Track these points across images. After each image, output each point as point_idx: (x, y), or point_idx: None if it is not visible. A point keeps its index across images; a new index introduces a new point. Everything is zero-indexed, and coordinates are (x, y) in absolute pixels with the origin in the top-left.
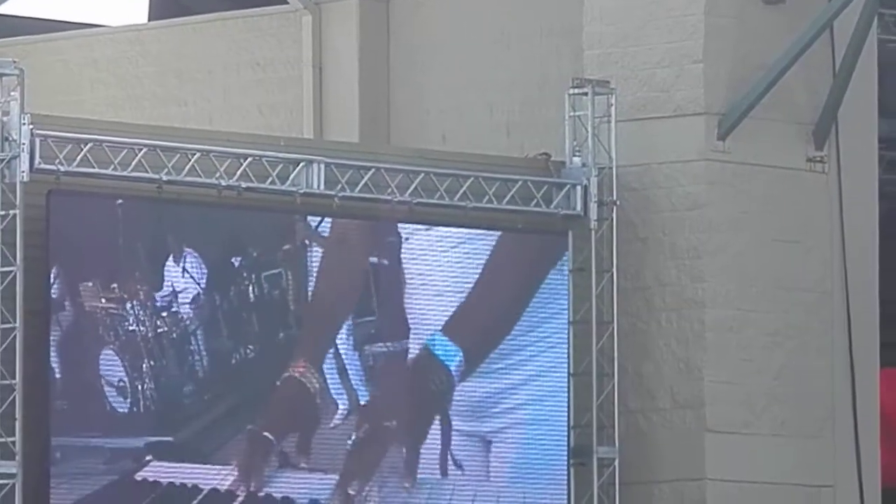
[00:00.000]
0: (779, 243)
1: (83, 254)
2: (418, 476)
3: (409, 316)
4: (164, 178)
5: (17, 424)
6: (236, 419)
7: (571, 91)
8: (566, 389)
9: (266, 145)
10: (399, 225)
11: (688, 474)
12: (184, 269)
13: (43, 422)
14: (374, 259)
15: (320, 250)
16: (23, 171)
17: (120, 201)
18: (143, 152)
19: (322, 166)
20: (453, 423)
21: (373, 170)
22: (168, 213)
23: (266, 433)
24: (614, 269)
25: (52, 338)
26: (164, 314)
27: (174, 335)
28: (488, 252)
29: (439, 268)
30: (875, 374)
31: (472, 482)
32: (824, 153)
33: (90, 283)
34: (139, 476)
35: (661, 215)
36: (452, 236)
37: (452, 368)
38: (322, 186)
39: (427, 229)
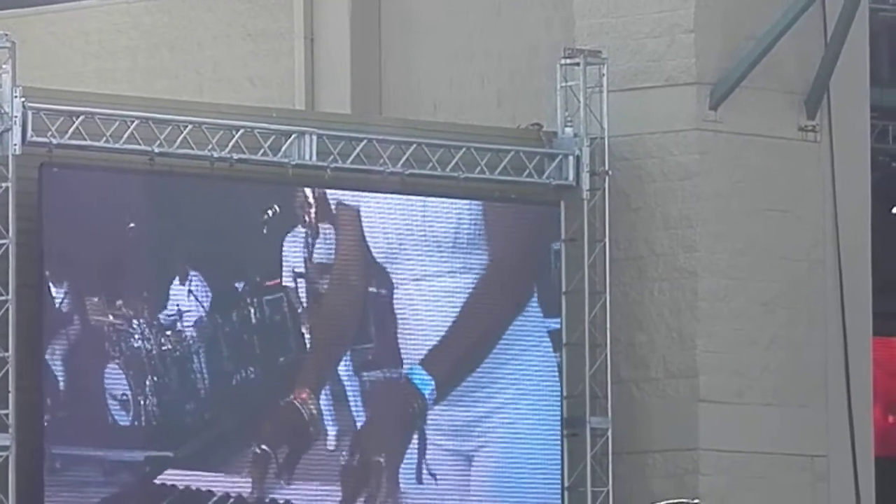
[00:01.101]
0: (771, 212)
1: (75, 226)
2: (400, 485)
3: (400, 344)
4: (156, 150)
5: (11, 397)
6: (235, 437)
7: (563, 61)
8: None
9: (258, 117)
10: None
11: (681, 444)
12: (189, 292)
13: (37, 396)
14: (372, 289)
15: (325, 277)
16: (15, 144)
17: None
18: (135, 124)
19: (314, 137)
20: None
21: (365, 141)
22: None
23: (264, 447)
24: (606, 240)
25: (57, 350)
26: (169, 332)
27: (177, 353)
28: (469, 289)
29: (425, 301)
30: (868, 342)
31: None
32: (816, 122)
33: (96, 299)
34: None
35: (653, 185)
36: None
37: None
38: (314, 158)
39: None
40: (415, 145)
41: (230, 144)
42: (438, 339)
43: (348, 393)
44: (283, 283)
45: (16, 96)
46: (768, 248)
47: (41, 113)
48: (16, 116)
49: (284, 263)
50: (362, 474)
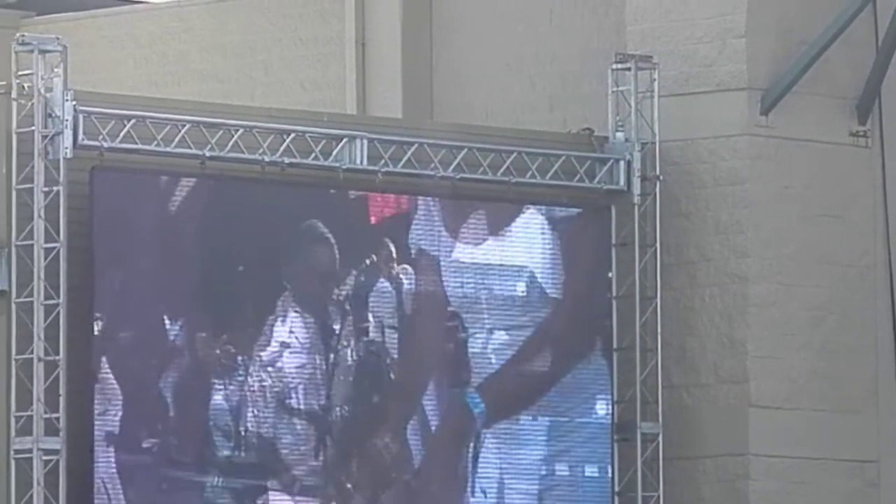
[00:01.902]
0: (822, 218)
1: (126, 230)
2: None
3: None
4: (208, 153)
5: (61, 401)
6: (325, 472)
7: (614, 66)
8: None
9: (309, 121)
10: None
11: (731, 449)
12: (290, 331)
13: (87, 399)
14: (449, 342)
15: (408, 324)
16: (66, 148)
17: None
18: (186, 128)
19: (365, 142)
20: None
21: (416, 145)
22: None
23: (349, 485)
24: (657, 244)
25: (169, 379)
26: (270, 369)
27: (277, 389)
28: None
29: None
30: None
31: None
32: (867, 128)
33: (204, 334)
34: None
35: (704, 190)
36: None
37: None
38: (365, 162)
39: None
40: (466, 150)
41: (281, 148)
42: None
43: (429, 433)
44: (371, 333)
45: (67, 100)
46: (819, 254)
47: (92, 117)
48: (67, 120)
49: (372, 315)
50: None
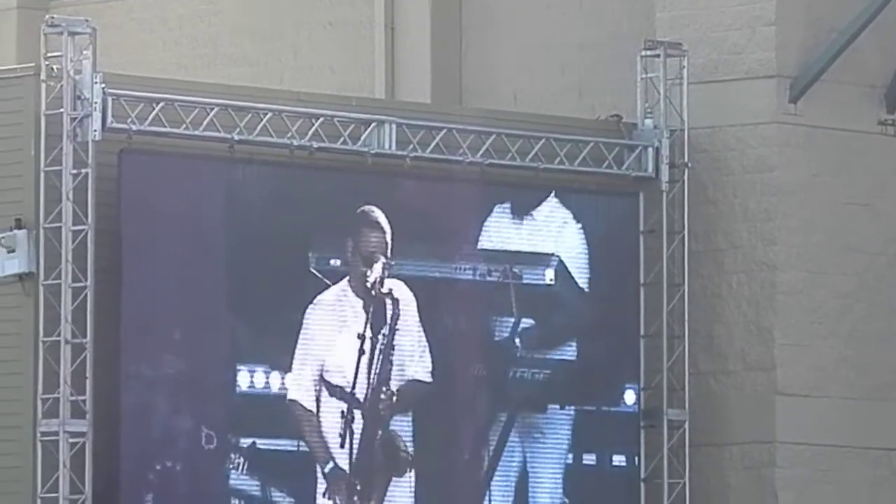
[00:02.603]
0: (850, 206)
1: (154, 213)
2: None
3: None
4: (236, 137)
5: (88, 383)
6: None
7: (643, 53)
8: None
9: (338, 105)
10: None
11: (758, 437)
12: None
13: (113, 382)
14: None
15: None
16: (95, 130)
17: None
18: (214, 112)
19: (393, 126)
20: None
21: (444, 130)
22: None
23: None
24: (685, 231)
25: (196, 361)
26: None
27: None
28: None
29: None
30: None
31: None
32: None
33: (231, 317)
34: None
35: (732, 178)
36: None
37: None
38: (394, 147)
39: None
40: (494, 135)
41: (310, 133)
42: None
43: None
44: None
45: (96, 82)
46: (847, 242)
47: (121, 99)
48: (96, 102)
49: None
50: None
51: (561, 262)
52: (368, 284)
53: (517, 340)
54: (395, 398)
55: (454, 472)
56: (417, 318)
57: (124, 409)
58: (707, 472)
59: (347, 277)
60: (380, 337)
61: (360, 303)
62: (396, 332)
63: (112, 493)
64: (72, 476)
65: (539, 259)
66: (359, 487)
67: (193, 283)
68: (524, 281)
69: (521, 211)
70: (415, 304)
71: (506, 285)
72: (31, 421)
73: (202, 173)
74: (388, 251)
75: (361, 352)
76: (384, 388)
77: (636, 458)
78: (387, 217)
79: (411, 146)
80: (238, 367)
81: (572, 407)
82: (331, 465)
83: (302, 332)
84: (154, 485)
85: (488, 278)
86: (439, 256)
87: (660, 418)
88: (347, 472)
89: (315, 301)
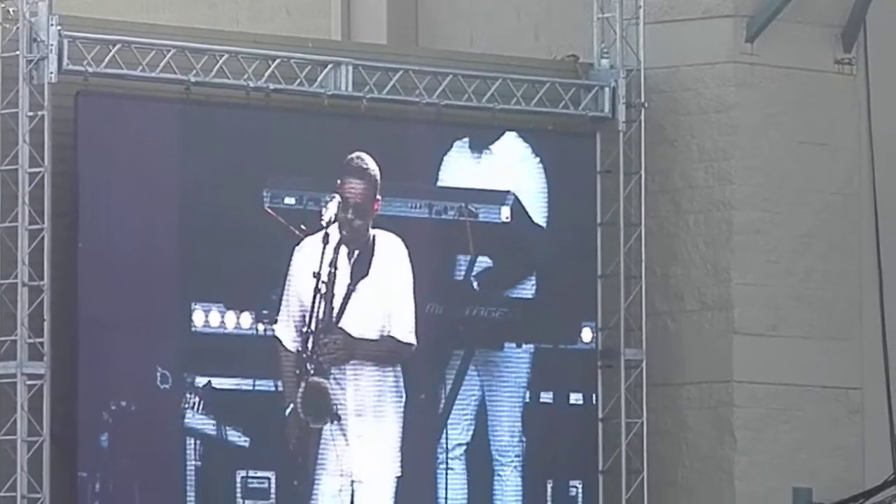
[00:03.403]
0: (807, 145)
1: (111, 155)
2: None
3: None
4: (193, 79)
5: (46, 325)
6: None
7: None
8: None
9: (294, 47)
10: None
11: (715, 376)
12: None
13: (70, 324)
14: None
15: None
16: (51, 73)
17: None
18: (171, 54)
19: (350, 68)
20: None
21: (401, 72)
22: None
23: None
24: (642, 171)
25: (153, 301)
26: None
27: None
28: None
29: None
30: None
31: None
32: (852, 55)
33: (186, 257)
34: None
35: (689, 117)
36: None
37: None
38: (350, 88)
39: None
40: (451, 76)
41: (266, 74)
42: None
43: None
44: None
45: (52, 24)
46: (804, 181)
47: (77, 41)
48: (52, 45)
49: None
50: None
51: (517, 199)
52: (323, 223)
53: (474, 278)
54: (348, 345)
55: (417, 414)
56: (402, 271)
57: (81, 350)
58: (665, 412)
59: (305, 219)
60: (337, 279)
61: (319, 244)
62: (363, 278)
63: (70, 434)
64: (30, 418)
65: (495, 197)
66: (309, 428)
67: (149, 225)
68: (480, 219)
69: (479, 147)
70: (401, 255)
71: (462, 223)
72: None
73: (158, 115)
74: (339, 191)
75: (317, 292)
76: (334, 333)
77: (593, 397)
78: (356, 171)
79: (368, 87)
80: (193, 307)
81: (529, 345)
82: (290, 407)
83: (259, 270)
84: (109, 425)
85: (444, 216)
86: (394, 194)
87: (617, 358)
88: (302, 415)
89: (273, 239)
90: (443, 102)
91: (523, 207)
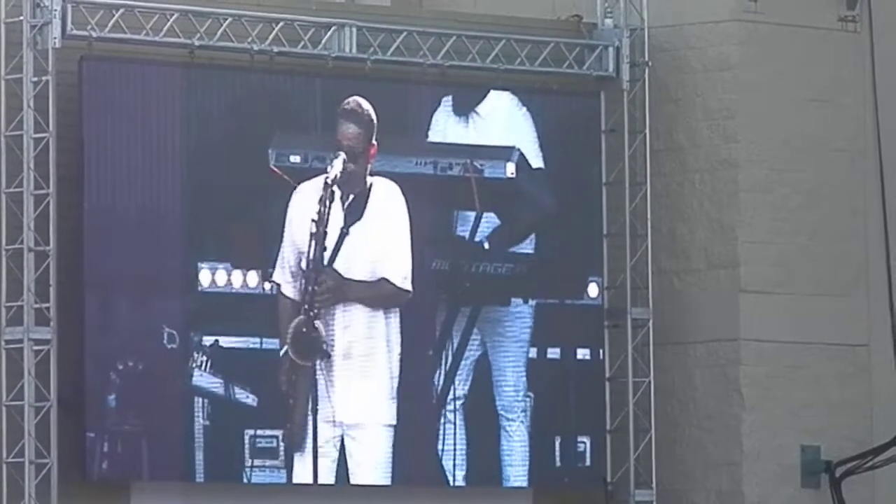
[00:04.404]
0: (812, 103)
1: (116, 120)
2: None
3: None
4: (196, 43)
5: (52, 290)
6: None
7: None
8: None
9: (298, 9)
10: None
11: (722, 334)
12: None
13: (77, 288)
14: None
15: None
16: (55, 38)
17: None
18: (174, 17)
19: (354, 30)
20: None
21: (405, 33)
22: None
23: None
24: (647, 130)
25: (159, 264)
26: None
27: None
28: None
29: None
30: None
31: None
32: (856, 12)
33: (192, 219)
34: None
35: (693, 76)
36: None
37: None
38: (354, 50)
39: None
40: (455, 37)
41: (270, 37)
42: None
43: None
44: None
45: None
46: (809, 139)
47: (80, 6)
48: (55, 10)
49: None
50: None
51: (522, 155)
52: (329, 180)
53: (480, 234)
54: (340, 286)
55: (417, 367)
56: (398, 216)
57: (87, 313)
58: (672, 371)
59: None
60: (330, 222)
61: (315, 190)
62: (357, 222)
63: (78, 399)
64: (37, 383)
65: (500, 153)
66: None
67: (155, 187)
68: (486, 175)
69: (481, 106)
70: (397, 201)
71: (467, 179)
72: None
73: (162, 79)
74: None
75: (312, 236)
76: (326, 274)
77: (601, 352)
78: (351, 115)
79: (372, 49)
80: (200, 266)
81: (535, 300)
82: (287, 349)
83: (264, 229)
84: (117, 385)
85: (449, 172)
86: (398, 152)
87: (624, 317)
88: (293, 355)
89: (278, 197)
90: (447, 63)
91: (528, 163)
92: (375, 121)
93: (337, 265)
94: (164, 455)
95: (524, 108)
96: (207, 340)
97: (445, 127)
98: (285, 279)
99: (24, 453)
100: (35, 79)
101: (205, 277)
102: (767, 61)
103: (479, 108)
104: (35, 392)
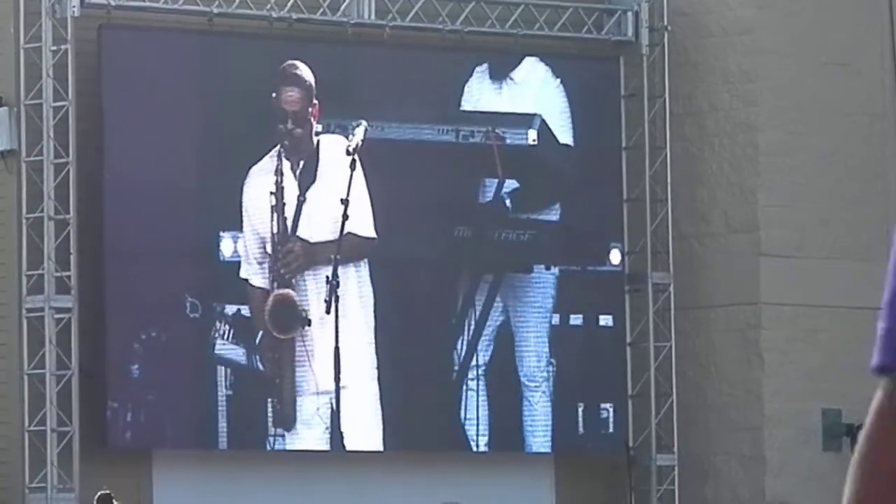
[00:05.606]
0: (830, 66)
1: (134, 87)
2: None
3: None
4: (215, 10)
5: (72, 259)
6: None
7: None
8: None
9: None
10: None
11: (742, 298)
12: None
13: (97, 256)
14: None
15: None
16: (73, 7)
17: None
18: None
19: None
20: None
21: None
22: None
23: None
24: (666, 95)
25: (178, 231)
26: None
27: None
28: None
29: None
30: None
31: None
32: None
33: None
34: None
35: (712, 40)
36: None
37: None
38: (373, 17)
39: None
40: (473, 2)
41: (289, 4)
42: None
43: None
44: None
45: None
46: (828, 102)
47: None
48: None
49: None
50: None
51: (544, 122)
52: (350, 148)
53: (503, 200)
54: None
55: (437, 336)
56: (345, 166)
57: (108, 282)
58: (692, 335)
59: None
60: (285, 191)
61: (267, 164)
62: (312, 185)
63: (98, 367)
64: (58, 352)
65: (521, 120)
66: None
67: (175, 156)
68: (507, 142)
69: (502, 73)
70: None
71: (489, 147)
72: (16, 297)
73: (181, 47)
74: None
75: (272, 210)
76: (292, 243)
77: (623, 318)
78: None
79: (390, 16)
80: (221, 236)
81: (558, 267)
82: (261, 333)
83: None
84: (140, 354)
85: (471, 140)
86: (421, 120)
87: (645, 282)
88: (273, 330)
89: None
90: (466, 29)
91: (550, 130)
92: (314, 83)
93: (301, 232)
94: (186, 424)
95: (558, 80)
96: (230, 310)
97: (479, 95)
98: (252, 271)
99: (45, 422)
100: (54, 48)
101: (226, 247)
102: (785, 25)
103: (514, 74)
104: (56, 360)
